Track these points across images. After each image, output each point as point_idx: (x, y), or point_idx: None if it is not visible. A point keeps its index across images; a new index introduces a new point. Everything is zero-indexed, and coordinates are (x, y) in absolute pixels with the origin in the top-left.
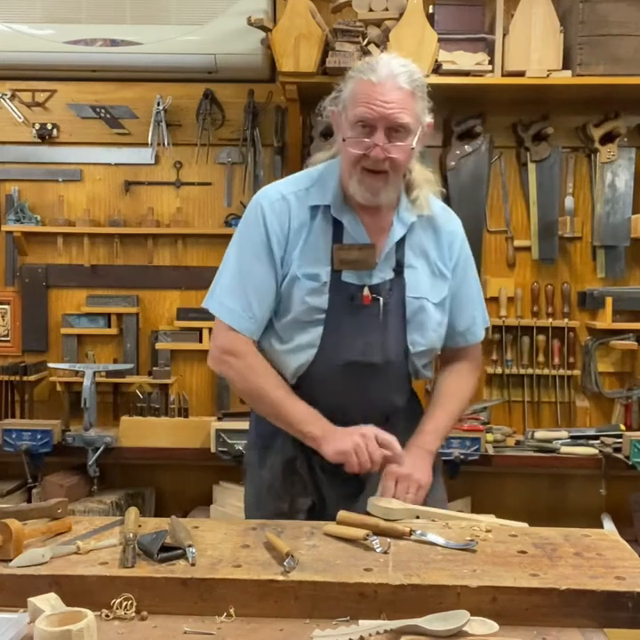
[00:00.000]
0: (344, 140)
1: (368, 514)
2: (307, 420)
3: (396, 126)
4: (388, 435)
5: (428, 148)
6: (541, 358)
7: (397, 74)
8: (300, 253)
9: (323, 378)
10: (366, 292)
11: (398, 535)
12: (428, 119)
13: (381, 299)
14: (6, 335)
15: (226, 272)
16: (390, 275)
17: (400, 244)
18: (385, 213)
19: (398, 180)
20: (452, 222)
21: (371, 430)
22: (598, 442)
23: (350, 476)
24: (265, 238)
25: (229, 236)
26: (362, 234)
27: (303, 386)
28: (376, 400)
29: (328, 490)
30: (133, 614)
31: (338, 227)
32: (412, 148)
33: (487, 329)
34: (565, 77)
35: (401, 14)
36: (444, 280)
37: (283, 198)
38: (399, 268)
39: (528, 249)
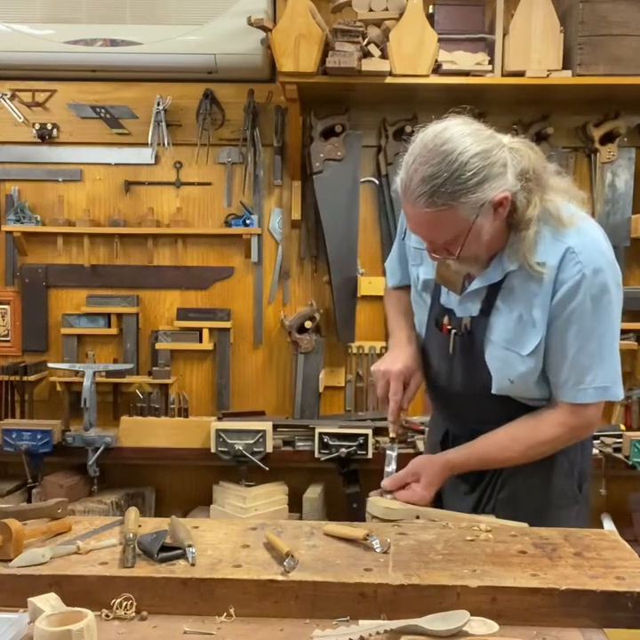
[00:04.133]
0: None
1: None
2: (391, 331)
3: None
4: (415, 384)
5: None
6: None
7: (417, 197)
8: (418, 245)
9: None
10: (446, 320)
11: None
12: (497, 195)
13: (453, 331)
14: (6, 335)
15: None
16: (475, 312)
17: (494, 284)
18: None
19: (472, 260)
20: (569, 268)
21: (399, 377)
22: (598, 442)
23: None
24: (402, 218)
25: (229, 236)
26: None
27: None
28: (466, 420)
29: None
30: (133, 614)
31: None
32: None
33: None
34: (565, 77)
35: (401, 14)
36: (534, 330)
37: None
38: (486, 309)
39: None
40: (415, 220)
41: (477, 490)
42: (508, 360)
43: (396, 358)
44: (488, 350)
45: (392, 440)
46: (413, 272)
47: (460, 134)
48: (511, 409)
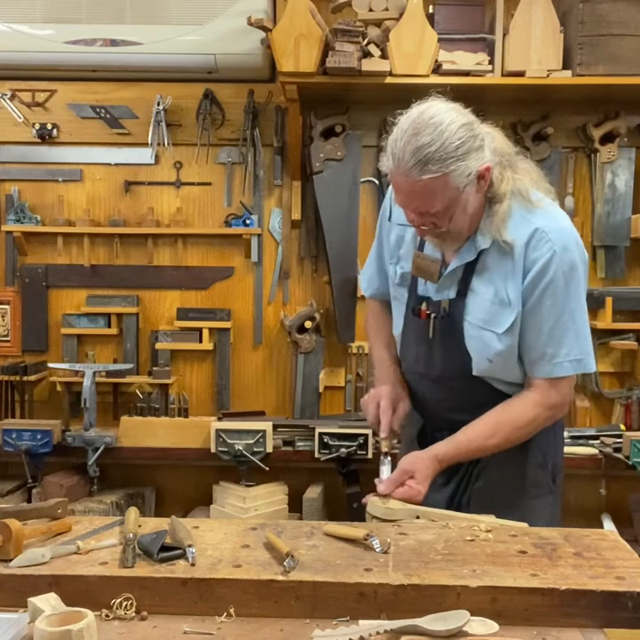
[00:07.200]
0: None
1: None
2: (375, 363)
3: (428, 213)
4: (403, 409)
5: None
6: None
7: (411, 167)
8: (395, 243)
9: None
10: (424, 306)
11: None
12: (481, 165)
13: (433, 315)
14: (6, 335)
15: None
16: (452, 295)
17: (469, 265)
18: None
19: (457, 233)
20: (539, 247)
21: (388, 396)
22: (598, 442)
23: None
24: (380, 221)
25: (229, 236)
26: (433, 248)
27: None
28: (444, 410)
29: None
30: (133, 614)
31: None
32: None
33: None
34: (565, 77)
35: (401, 14)
36: (509, 309)
37: None
38: (462, 291)
39: None
40: (408, 191)
41: (453, 481)
42: (485, 339)
43: (383, 385)
44: (466, 331)
45: (385, 454)
46: (391, 270)
47: (445, 109)
48: (488, 397)
